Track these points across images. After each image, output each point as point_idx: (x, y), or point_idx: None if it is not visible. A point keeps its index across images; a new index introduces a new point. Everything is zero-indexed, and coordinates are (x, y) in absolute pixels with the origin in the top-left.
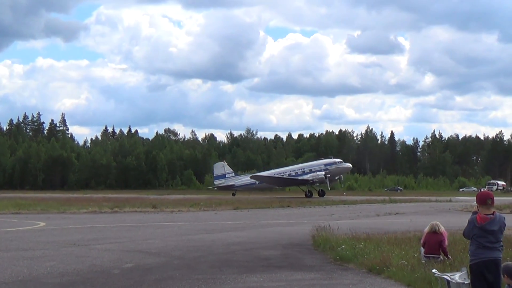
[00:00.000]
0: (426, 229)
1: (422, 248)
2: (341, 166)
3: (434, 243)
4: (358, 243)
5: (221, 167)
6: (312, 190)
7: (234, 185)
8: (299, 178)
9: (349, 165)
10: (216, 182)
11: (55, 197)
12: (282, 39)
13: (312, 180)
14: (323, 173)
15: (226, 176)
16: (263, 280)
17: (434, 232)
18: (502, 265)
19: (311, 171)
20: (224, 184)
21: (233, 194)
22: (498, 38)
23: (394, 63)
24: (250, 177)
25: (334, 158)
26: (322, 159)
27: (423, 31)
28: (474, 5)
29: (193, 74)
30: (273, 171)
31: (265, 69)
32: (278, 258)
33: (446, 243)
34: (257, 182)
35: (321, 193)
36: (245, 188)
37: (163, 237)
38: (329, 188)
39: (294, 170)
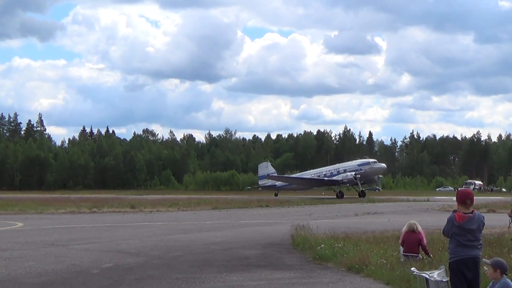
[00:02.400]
0: (404, 229)
1: (401, 247)
2: (374, 166)
3: (413, 242)
4: (337, 242)
5: (265, 167)
6: (345, 191)
7: (276, 185)
8: (326, 179)
9: (383, 165)
10: (261, 182)
11: (33, 198)
12: (259, 39)
13: (342, 180)
14: (353, 173)
15: (269, 175)
16: (243, 279)
17: (412, 231)
18: (492, 259)
19: (345, 171)
20: (267, 184)
21: (276, 194)
22: (474, 38)
23: (371, 63)
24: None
25: (368, 158)
26: (357, 159)
27: (400, 31)
28: (450, 6)
29: (171, 74)
30: (311, 171)
31: (242, 69)
32: (258, 258)
33: (425, 241)
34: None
35: (362, 194)
36: (286, 188)
37: (142, 237)
38: (360, 189)
39: (329, 170)
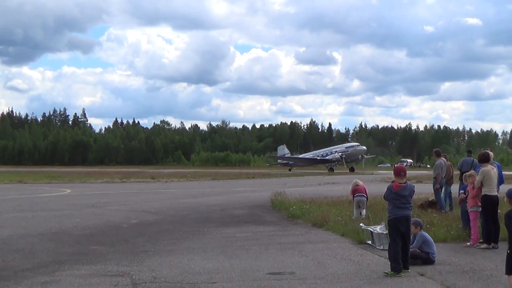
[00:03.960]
0: (351, 186)
1: (354, 201)
2: (357, 148)
3: (361, 189)
4: (305, 205)
5: (282, 149)
6: (337, 166)
7: (289, 162)
8: (318, 158)
9: (364, 147)
10: (279, 160)
11: (78, 171)
12: (247, 53)
13: (331, 159)
14: (340, 154)
15: (285, 156)
16: (235, 232)
17: (357, 185)
18: (412, 219)
19: (336, 152)
20: (283, 162)
21: (289, 170)
22: (406, 53)
23: (330, 72)
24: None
25: (354, 142)
26: (347, 143)
27: (351, 48)
28: (388, 29)
29: (180, 79)
30: (314, 152)
31: (234, 76)
32: (246, 216)
33: (367, 190)
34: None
35: (351, 169)
36: (296, 165)
37: (160, 201)
38: (345, 165)
39: (325, 151)
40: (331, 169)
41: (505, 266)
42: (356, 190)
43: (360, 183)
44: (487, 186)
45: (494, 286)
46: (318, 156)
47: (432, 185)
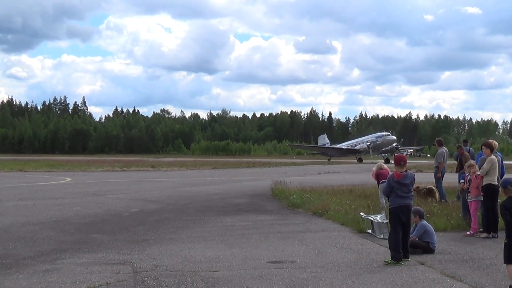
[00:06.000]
0: (375, 169)
1: (377, 182)
2: (387, 138)
3: (385, 173)
4: (305, 194)
5: (323, 139)
6: (363, 157)
7: (328, 153)
8: (343, 148)
9: (394, 137)
10: (320, 150)
11: (78, 160)
12: (246, 42)
13: (359, 149)
14: (367, 144)
15: (325, 146)
16: (235, 221)
17: (381, 169)
18: (413, 208)
19: (367, 142)
20: (321, 152)
21: (329, 159)
22: (406, 42)
23: (330, 61)
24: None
25: (384, 132)
26: (379, 133)
27: (351, 37)
28: (388, 18)
29: (180, 67)
30: (347, 142)
31: (234, 64)
32: (246, 205)
33: None
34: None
35: (387, 161)
36: (333, 155)
37: (160, 189)
38: (371, 156)
39: (357, 142)
40: (360, 159)
41: (503, 255)
42: (380, 174)
43: (385, 166)
44: (492, 176)
45: (494, 274)
46: (350, 146)
47: (433, 174)
